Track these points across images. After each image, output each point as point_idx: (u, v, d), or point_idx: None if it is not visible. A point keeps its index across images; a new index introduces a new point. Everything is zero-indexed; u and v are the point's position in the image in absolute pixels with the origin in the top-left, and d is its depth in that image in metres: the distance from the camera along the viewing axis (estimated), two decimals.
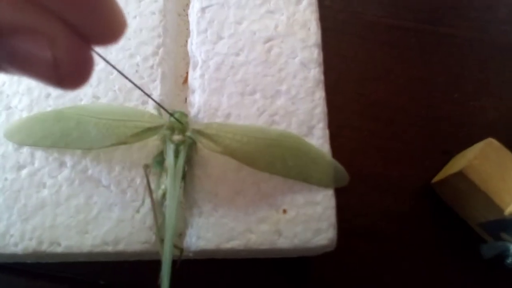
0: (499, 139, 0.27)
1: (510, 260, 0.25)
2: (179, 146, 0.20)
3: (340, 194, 0.30)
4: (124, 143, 0.20)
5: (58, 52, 0.10)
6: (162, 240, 0.20)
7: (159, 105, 0.19)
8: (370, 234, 0.29)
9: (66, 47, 0.10)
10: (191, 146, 0.21)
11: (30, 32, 0.10)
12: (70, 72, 0.11)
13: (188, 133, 0.21)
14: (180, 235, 0.22)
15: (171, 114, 0.20)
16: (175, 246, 0.22)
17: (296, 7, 0.25)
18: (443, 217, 0.30)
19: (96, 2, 0.11)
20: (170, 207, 0.19)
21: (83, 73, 0.11)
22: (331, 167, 0.22)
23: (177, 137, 0.20)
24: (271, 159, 0.21)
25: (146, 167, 0.20)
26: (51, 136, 0.21)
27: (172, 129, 0.21)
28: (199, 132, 0.21)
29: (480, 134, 0.29)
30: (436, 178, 0.30)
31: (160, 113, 0.22)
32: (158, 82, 0.23)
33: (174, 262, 0.19)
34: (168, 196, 0.20)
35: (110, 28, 0.12)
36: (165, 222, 0.19)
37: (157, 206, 0.21)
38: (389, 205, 0.30)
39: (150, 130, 0.21)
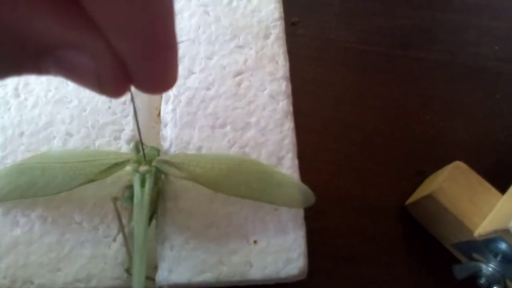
0: (470, 159, 0.28)
1: (483, 280, 0.26)
2: (144, 175, 0.21)
3: (318, 217, 0.31)
4: (93, 180, 0.21)
5: (101, 67, 0.11)
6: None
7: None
8: (348, 256, 0.29)
9: (108, 66, 0.11)
10: (157, 175, 0.22)
11: (75, 47, 0.11)
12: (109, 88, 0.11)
13: (154, 163, 0.21)
14: (155, 267, 0.22)
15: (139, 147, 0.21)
16: (150, 279, 0.22)
17: (264, 41, 0.26)
18: (418, 238, 0.30)
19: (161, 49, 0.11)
20: (138, 237, 0.19)
21: (121, 92, 0.12)
22: (296, 188, 0.22)
23: (143, 168, 0.21)
24: (235, 183, 0.21)
25: (115, 200, 0.21)
26: (17, 189, 0.21)
27: (139, 162, 0.21)
28: (164, 162, 0.22)
29: (452, 154, 0.30)
30: (409, 200, 0.30)
31: (137, 150, 0.23)
32: (130, 117, 0.24)
33: None
34: (135, 225, 0.20)
35: (161, 78, 0.11)
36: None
37: (129, 240, 0.21)
38: (366, 227, 0.30)
39: (117, 165, 0.21)
